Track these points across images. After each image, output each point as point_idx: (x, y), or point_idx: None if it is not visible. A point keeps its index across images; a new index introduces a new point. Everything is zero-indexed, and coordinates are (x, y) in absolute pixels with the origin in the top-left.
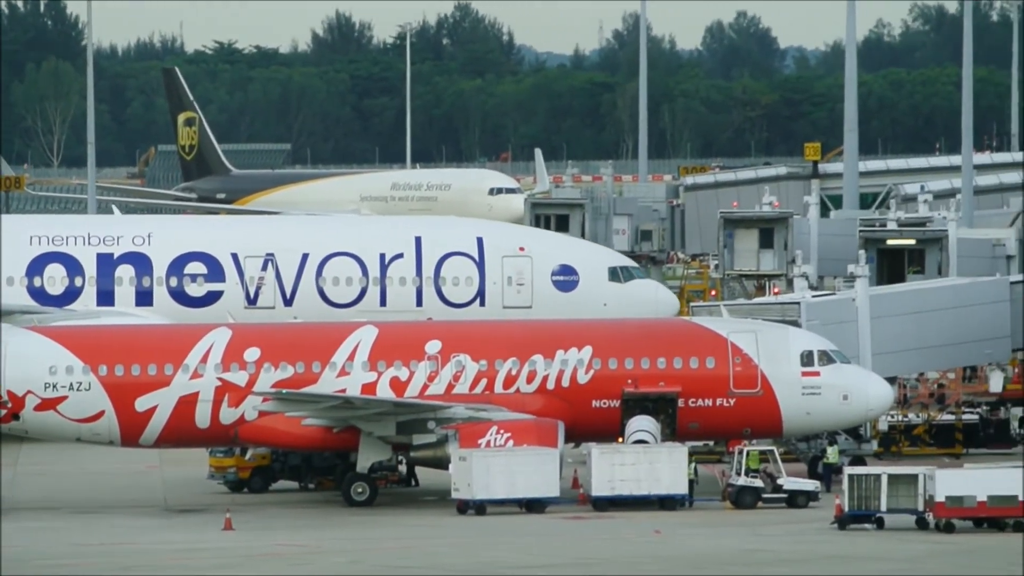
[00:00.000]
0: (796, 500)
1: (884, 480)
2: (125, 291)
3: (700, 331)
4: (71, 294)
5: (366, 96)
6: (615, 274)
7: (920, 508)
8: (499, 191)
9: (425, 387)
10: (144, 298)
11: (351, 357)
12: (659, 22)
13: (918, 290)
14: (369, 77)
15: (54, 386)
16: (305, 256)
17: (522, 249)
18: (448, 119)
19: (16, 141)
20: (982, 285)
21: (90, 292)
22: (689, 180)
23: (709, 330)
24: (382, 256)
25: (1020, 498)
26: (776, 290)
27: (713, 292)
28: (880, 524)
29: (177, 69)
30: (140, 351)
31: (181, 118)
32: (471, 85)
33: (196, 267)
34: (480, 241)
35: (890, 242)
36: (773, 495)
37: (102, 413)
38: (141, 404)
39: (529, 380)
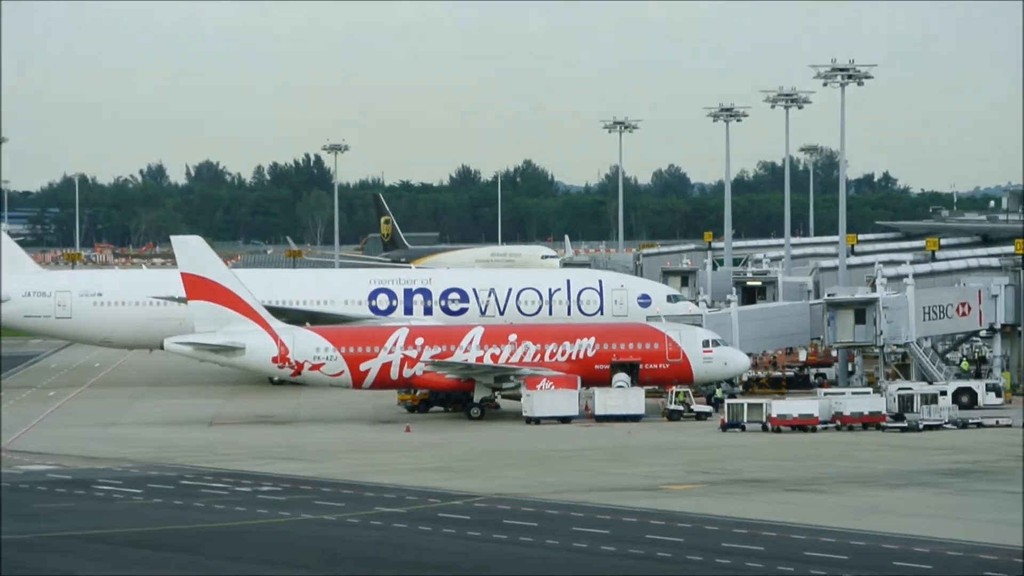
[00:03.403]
0: (701, 416)
1: (745, 406)
2: (420, 309)
3: (655, 331)
4: (391, 309)
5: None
6: None
7: (764, 421)
8: None
9: (508, 359)
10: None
11: (469, 344)
12: None
13: (761, 308)
14: (479, 200)
15: (318, 358)
16: None
17: None
18: None
19: (298, 232)
20: (796, 306)
21: (399, 309)
22: None
23: (658, 330)
24: None
25: (815, 415)
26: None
27: None
28: (743, 429)
29: (380, 194)
30: (363, 339)
31: (382, 219)
32: None
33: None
34: None
35: (749, 283)
36: (688, 413)
37: (343, 372)
38: (363, 366)
39: (563, 355)
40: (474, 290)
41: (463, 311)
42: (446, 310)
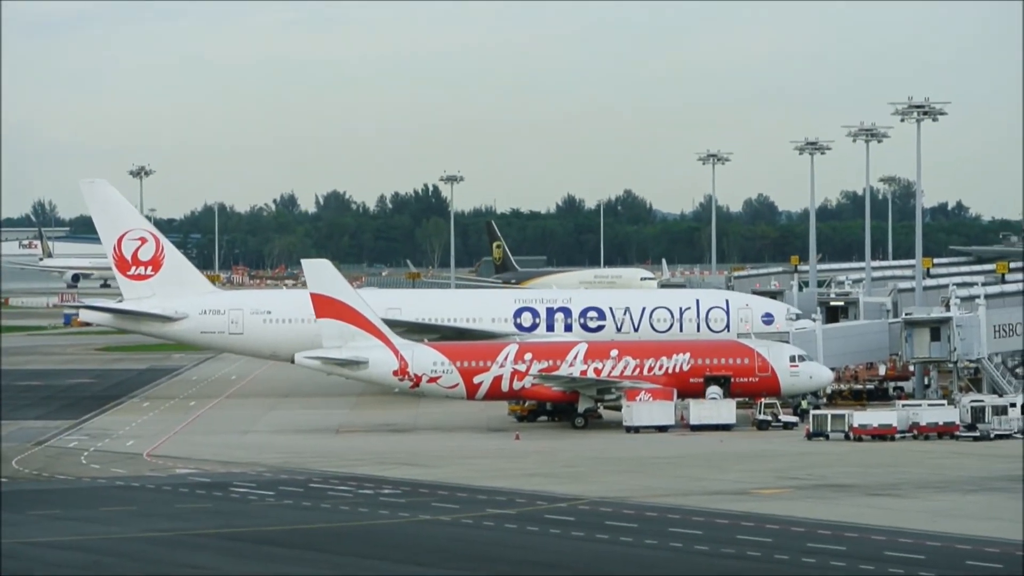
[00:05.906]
0: (788, 426)
1: (829, 417)
2: (561, 326)
3: (745, 347)
4: (534, 326)
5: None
6: None
7: (847, 430)
8: None
9: (610, 373)
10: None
11: (574, 359)
12: None
13: (844, 326)
14: (583, 226)
15: (435, 371)
16: None
17: None
18: None
19: (417, 256)
20: (876, 324)
21: (542, 326)
22: None
23: (748, 346)
24: None
25: (894, 425)
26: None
27: None
28: (827, 437)
29: (492, 222)
30: (476, 354)
31: (494, 244)
32: None
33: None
34: None
35: (832, 303)
36: (776, 423)
37: (458, 384)
38: (476, 379)
39: (660, 369)
40: (611, 308)
41: (600, 328)
42: (585, 327)
